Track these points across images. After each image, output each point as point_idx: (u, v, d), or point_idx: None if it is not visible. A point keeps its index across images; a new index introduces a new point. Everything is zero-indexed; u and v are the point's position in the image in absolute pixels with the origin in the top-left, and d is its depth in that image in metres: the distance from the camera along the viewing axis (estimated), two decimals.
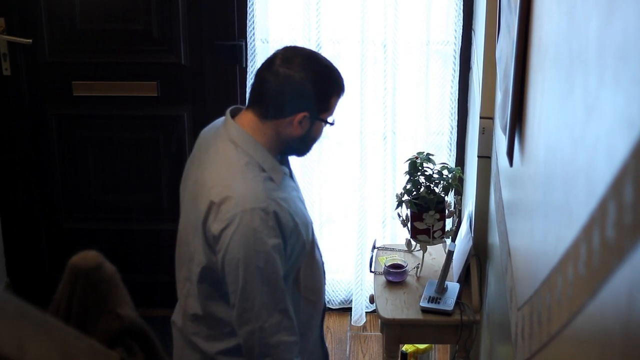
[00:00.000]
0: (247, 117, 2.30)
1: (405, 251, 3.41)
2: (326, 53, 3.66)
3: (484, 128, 3.03)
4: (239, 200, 2.18)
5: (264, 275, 2.20)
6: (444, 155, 3.74)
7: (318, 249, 2.49)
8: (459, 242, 3.29)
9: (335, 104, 2.33)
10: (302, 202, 2.40)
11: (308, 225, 2.36)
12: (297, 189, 2.41)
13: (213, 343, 2.36)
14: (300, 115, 2.25)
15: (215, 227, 2.20)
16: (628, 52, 1.02)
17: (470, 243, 3.13)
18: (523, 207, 2.00)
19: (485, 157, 3.05)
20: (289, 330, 2.26)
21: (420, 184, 3.21)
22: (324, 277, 2.54)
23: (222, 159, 2.28)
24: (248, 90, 3.69)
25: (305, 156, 2.48)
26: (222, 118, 2.37)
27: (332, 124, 2.35)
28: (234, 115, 2.34)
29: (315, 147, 2.48)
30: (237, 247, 2.18)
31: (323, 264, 2.53)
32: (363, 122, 3.70)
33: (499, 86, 2.58)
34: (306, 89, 2.24)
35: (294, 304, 2.34)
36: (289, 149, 2.34)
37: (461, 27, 3.59)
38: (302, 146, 2.36)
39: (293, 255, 2.30)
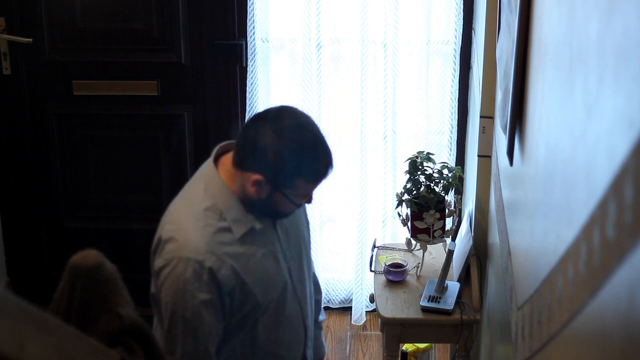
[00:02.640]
0: (228, 159, 2.21)
1: (405, 250, 3.41)
2: (326, 52, 3.66)
3: (484, 127, 3.03)
4: (180, 245, 2.13)
5: (189, 327, 2.14)
6: (444, 155, 3.74)
7: (298, 303, 2.35)
8: (459, 241, 3.29)
9: (303, 186, 2.16)
10: (279, 258, 2.27)
11: (271, 284, 2.24)
12: (280, 239, 2.27)
13: None
14: (255, 176, 2.11)
15: (157, 263, 2.19)
16: (628, 52, 1.02)
17: (471, 242, 3.13)
18: (523, 206, 2.00)
19: (485, 157, 3.05)
20: None
21: (421, 183, 3.21)
22: (305, 330, 2.40)
23: (188, 196, 2.24)
24: (248, 89, 3.70)
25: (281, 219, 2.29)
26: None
27: (297, 205, 2.19)
28: (222, 152, 2.25)
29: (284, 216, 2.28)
30: (168, 291, 2.15)
31: (304, 316, 2.38)
32: (363, 122, 3.70)
33: (499, 85, 2.58)
34: (267, 154, 2.09)
35: (250, 354, 2.29)
36: (254, 208, 2.19)
37: (461, 27, 3.59)
38: (261, 209, 2.19)
39: (242, 311, 2.21)
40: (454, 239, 3.33)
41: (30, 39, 3.65)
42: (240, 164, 2.15)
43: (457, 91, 3.69)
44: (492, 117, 2.99)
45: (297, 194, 2.17)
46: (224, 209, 2.16)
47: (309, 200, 2.22)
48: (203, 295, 2.12)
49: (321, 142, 2.16)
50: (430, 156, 3.23)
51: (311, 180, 2.16)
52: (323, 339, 2.69)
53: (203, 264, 2.11)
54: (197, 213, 2.17)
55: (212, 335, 2.17)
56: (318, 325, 2.62)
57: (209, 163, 2.23)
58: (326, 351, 2.73)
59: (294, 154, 2.10)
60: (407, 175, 3.22)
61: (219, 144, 2.27)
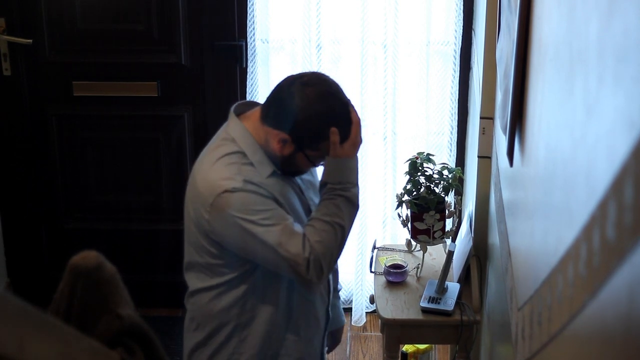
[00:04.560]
0: (254, 115, 2.32)
1: (405, 251, 3.41)
2: (326, 53, 3.66)
3: (484, 128, 3.03)
4: (215, 185, 2.22)
5: (270, 232, 2.23)
6: (444, 156, 3.74)
7: None
8: (459, 242, 3.29)
9: (326, 149, 2.29)
10: (302, 205, 2.38)
11: (300, 221, 2.33)
12: (302, 189, 2.40)
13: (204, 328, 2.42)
14: (282, 135, 2.24)
15: (205, 215, 2.25)
16: (628, 52, 1.02)
17: (471, 243, 3.13)
18: (523, 207, 2.00)
19: (485, 157, 3.05)
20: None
21: (421, 184, 3.21)
22: (328, 283, 2.52)
23: (210, 150, 2.32)
24: (248, 90, 3.70)
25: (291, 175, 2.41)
26: None
27: (314, 164, 2.33)
28: (243, 109, 2.37)
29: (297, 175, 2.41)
30: (226, 226, 2.22)
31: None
32: (363, 122, 3.68)
33: (499, 86, 2.58)
34: (298, 116, 2.22)
35: (286, 297, 2.38)
36: (273, 161, 2.30)
37: (461, 27, 3.59)
38: (281, 165, 2.31)
39: None
40: (454, 240, 3.33)
41: (30, 40, 3.65)
42: (268, 120, 2.26)
43: (457, 92, 3.69)
44: (492, 118, 2.99)
45: (319, 156, 2.29)
46: (248, 153, 2.26)
47: (317, 164, 2.33)
48: (261, 207, 2.21)
49: (348, 110, 2.28)
50: (431, 157, 3.23)
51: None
52: (341, 308, 2.76)
53: (241, 187, 2.20)
54: (220, 157, 2.26)
55: (293, 223, 2.25)
56: (336, 294, 2.68)
57: (230, 119, 2.33)
58: (345, 321, 2.80)
59: (322, 118, 2.23)
60: (407, 176, 3.22)
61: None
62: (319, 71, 2.35)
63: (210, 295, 2.37)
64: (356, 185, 2.34)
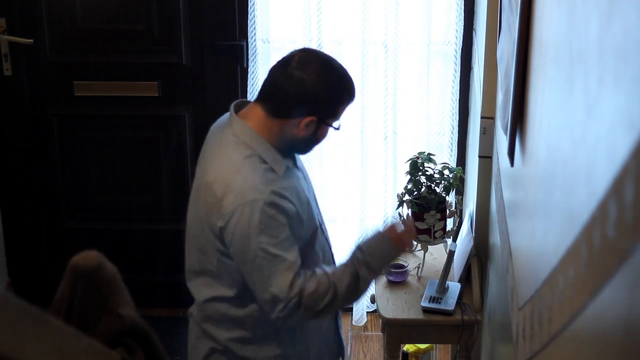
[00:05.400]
0: (255, 112, 2.33)
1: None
2: (327, 53, 3.65)
3: (485, 128, 3.03)
4: (239, 193, 2.22)
5: (270, 261, 2.24)
6: (445, 155, 3.73)
7: (326, 239, 2.52)
8: (460, 242, 3.29)
9: (343, 110, 2.37)
10: (307, 191, 2.42)
11: (311, 214, 2.38)
12: (305, 178, 2.44)
13: (222, 331, 2.41)
14: (307, 119, 2.28)
15: (219, 222, 2.25)
16: (628, 52, 1.02)
17: (471, 243, 3.13)
18: (524, 207, 2.00)
19: (486, 157, 3.05)
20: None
21: (422, 184, 3.21)
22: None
23: (223, 154, 2.31)
24: (249, 90, 3.70)
25: (305, 155, 2.52)
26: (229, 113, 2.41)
27: (337, 128, 2.38)
28: (238, 108, 2.37)
29: (317, 147, 2.49)
30: (242, 238, 2.23)
31: (332, 253, 2.56)
32: (364, 123, 3.69)
33: (500, 86, 2.58)
34: (318, 95, 2.27)
35: None
36: (290, 147, 2.35)
37: (462, 27, 3.59)
38: (304, 146, 2.39)
39: (302, 239, 2.34)
40: (454, 240, 3.33)
41: (31, 40, 3.65)
42: (284, 114, 2.29)
43: (458, 92, 3.69)
44: (492, 118, 2.99)
45: (337, 119, 2.36)
46: (262, 154, 2.28)
47: (339, 127, 2.39)
48: (276, 231, 2.23)
49: (342, 66, 2.36)
50: (431, 157, 3.23)
51: (350, 101, 2.36)
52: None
53: (267, 200, 2.22)
54: (240, 163, 2.27)
55: (294, 262, 2.27)
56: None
57: (233, 120, 2.34)
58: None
59: (335, 84, 2.31)
60: (408, 176, 3.22)
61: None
62: (297, 49, 2.36)
63: (229, 305, 2.39)
64: (374, 272, 2.37)
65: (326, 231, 2.55)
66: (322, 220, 2.52)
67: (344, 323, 3.99)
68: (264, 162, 2.28)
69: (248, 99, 3.70)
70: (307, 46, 2.40)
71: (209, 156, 2.36)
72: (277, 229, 2.23)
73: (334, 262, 2.56)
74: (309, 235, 2.39)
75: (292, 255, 2.26)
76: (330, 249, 2.56)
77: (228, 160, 2.28)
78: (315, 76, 2.26)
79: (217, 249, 2.30)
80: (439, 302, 3.05)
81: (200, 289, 2.41)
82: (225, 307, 2.38)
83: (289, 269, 2.25)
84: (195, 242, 2.38)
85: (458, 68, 3.65)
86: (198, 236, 2.35)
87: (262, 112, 2.31)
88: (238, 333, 2.40)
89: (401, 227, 2.42)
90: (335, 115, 2.35)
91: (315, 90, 2.26)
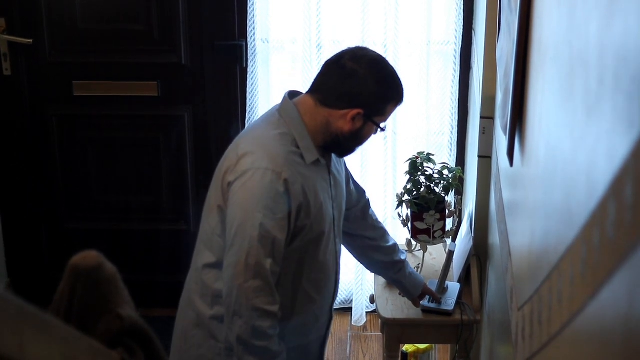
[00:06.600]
0: (305, 100, 2.35)
1: (405, 251, 3.41)
2: (327, 53, 3.66)
3: (484, 128, 3.03)
4: (258, 157, 2.24)
5: (255, 237, 2.21)
6: (444, 155, 3.74)
7: (335, 253, 2.49)
8: (459, 242, 3.29)
9: (390, 111, 2.39)
10: (330, 197, 2.40)
11: (323, 216, 2.36)
12: (331, 184, 2.42)
13: (205, 306, 2.41)
14: (355, 111, 2.30)
15: (230, 177, 2.27)
16: (628, 52, 1.02)
17: (471, 243, 3.13)
18: (523, 207, 2.00)
19: (485, 157, 3.05)
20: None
21: (421, 183, 3.21)
22: (335, 284, 2.54)
23: (261, 126, 2.36)
24: (248, 90, 3.70)
25: (346, 156, 2.50)
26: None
27: (383, 129, 2.39)
28: (292, 97, 2.39)
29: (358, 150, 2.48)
30: (242, 200, 2.22)
31: (337, 270, 2.53)
32: None
33: (499, 86, 2.58)
34: (368, 87, 2.30)
35: (290, 291, 2.38)
36: (333, 143, 2.35)
37: (462, 27, 3.59)
38: (347, 144, 2.38)
39: (301, 233, 2.32)
40: (454, 240, 3.33)
41: (31, 40, 3.65)
42: (333, 103, 2.31)
43: (458, 92, 3.69)
44: (492, 118, 2.99)
45: (384, 119, 2.38)
46: (297, 137, 2.30)
47: (384, 128, 2.41)
48: (275, 206, 2.22)
49: (394, 68, 2.41)
50: (431, 157, 3.23)
51: (398, 102, 2.40)
52: (412, 269, 2.88)
53: (280, 175, 2.22)
54: (273, 135, 2.30)
55: (276, 251, 2.24)
56: (403, 262, 2.81)
57: (284, 101, 2.36)
58: (423, 280, 2.92)
59: (386, 80, 2.35)
60: (408, 176, 3.22)
61: (219, 143, 2.37)
62: (351, 47, 2.42)
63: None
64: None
65: (339, 245, 2.52)
66: (337, 234, 2.49)
67: (343, 323, 3.99)
68: (297, 146, 2.29)
69: (248, 99, 3.71)
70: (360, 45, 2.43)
71: (247, 130, 2.41)
72: (278, 207, 2.22)
73: (336, 279, 2.54)
74: (316, 233, 2.36)
75: (282, 235, 2.23)
76: (337, 265, 2.53)
77: (263, 131, 2.32)
78: (367, 68, 2.29)
79: (219, 205, 2.30)
80: (439, 302, 3.05)
81: (195, 257, 2.43)
82: (209, 276, 2.37)
83: (264, 263, 2.22)
84: (207, 210, 2.38)
85: (457, 68, 3.65)
86: (210, 197, 2.36)
87: (311, 101, 2.33)
88: (216, 311, 2.39)
89: None
90: (383, 113, 2.35)
91: (365, 81, 2.29)
